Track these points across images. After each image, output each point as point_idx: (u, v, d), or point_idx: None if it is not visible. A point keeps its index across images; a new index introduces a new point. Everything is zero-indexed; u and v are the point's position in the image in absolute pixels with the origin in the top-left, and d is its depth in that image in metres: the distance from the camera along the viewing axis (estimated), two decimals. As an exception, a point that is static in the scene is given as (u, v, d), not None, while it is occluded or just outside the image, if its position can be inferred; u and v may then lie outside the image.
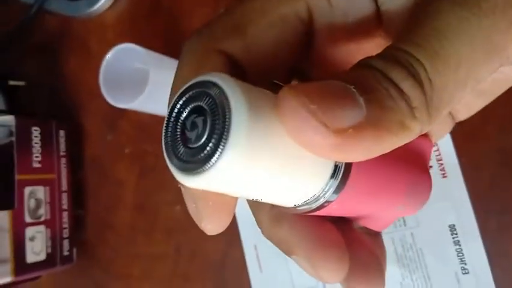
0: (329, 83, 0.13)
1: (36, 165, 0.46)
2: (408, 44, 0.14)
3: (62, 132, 0.49)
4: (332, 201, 0.16)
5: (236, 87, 0.12)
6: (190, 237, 0.48)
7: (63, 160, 0.49)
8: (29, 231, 0.45)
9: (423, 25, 0.14)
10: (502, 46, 0.14)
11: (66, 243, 0.49)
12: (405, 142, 0.14)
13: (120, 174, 0.51)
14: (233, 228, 0.46)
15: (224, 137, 0.12)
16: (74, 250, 0.50)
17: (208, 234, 0.17)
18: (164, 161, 0.14)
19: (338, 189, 0.15)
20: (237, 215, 0.45)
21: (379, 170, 0.17)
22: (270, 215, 0.17)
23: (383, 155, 0.14)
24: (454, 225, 0.39)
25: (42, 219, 0.46)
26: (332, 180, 0.15)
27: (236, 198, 0.16)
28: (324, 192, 0.15)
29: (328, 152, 0.13)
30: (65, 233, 0.49)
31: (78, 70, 0.52)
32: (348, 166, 0.15)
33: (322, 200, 0.16)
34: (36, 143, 0.47)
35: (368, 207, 0.18)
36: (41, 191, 0.47)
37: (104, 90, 0.43)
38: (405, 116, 0.13)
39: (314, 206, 0.16)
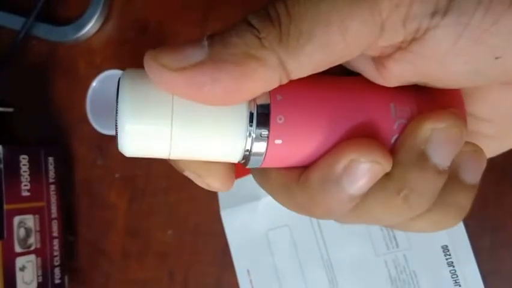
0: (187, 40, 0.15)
1: (25, 193, 0.46)
2: None
3: (51, 159, 0.49)
4: (270, 143, 0.16)
5: (127, 74, 0.16)
6: (183, 261, 0.47)
7: (52, 187, 0.49)
8: (19, 261, 0.45)
9: None
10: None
11: (57, 271, 0.48)
12: (268, 72, 0.15)
13: (111, 199, 0.50)
14: (226, 252, 0.45)
15: (117, 106, 0.16)
16: (66, 278, 0.49)
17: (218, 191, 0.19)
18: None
19: (265, 129, 0.16)
20: (228, 240, 0.45)
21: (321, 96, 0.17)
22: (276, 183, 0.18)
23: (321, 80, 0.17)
24: (446, 246, 0.39)
25: (33, 248, 0.46)
26: (252, 126, 0.16)
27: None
28: (251, 139, 0.16)
29: (176, 90, 0.15)
30: (56, 261, 0.48)
31: (66, 95, 0.52)
32: (266, 106, 0.16)
33: (259, 146, 0.16)
34: (24, 171, 0.46)
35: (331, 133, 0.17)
36: (30, 220, 0.46)
37: (91, 118, 0.43)
38: (250, 47, 0.14)
39: (258, 156, 0.17)
